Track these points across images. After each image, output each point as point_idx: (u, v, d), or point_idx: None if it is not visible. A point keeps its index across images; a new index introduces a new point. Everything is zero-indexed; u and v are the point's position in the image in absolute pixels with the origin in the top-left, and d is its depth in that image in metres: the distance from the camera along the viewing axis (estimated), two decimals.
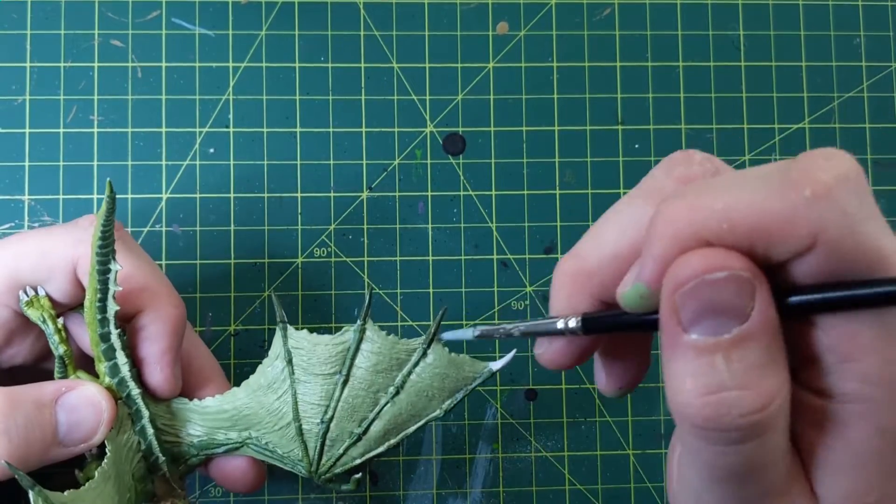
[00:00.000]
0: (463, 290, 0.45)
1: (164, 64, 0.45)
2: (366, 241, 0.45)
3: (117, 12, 0.45)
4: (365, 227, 0.45)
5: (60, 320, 0.33)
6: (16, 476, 0.28)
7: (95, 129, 0.44)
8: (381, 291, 0.45)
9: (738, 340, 0.19)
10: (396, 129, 0.45)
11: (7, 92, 0.44)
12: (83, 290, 0.32)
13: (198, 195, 0.44)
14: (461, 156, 0.46)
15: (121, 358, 0.32)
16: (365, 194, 0.45)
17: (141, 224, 0.44)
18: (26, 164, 0.44)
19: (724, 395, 0.19)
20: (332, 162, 0.45)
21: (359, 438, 0.34)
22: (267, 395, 0.34)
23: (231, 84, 0.45)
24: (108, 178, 0.37)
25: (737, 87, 0.47)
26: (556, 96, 0.46)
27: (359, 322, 0.34)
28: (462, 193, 0.45)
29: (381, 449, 0.35)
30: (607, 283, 0.23)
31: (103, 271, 0.31)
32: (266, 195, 0.45)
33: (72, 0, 0.45)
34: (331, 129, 0.45)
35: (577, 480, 0.45)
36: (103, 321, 0.32)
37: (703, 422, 0.19)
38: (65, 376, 0.33)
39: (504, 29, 0.46)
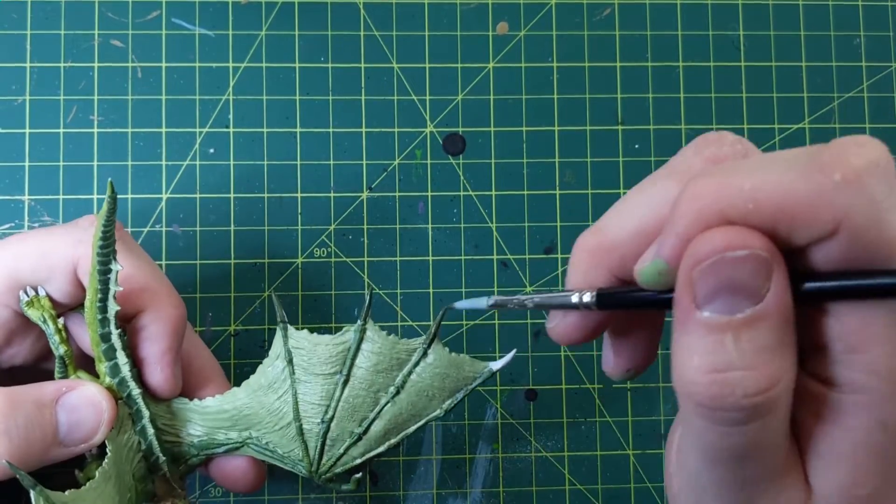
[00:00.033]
0: (463, 290, 0.45)
1: (164, 64, 0.45)
2: (366, 241, 0.45)
3: (117, 12, 0.45)
4: (365, 227, 0.45)
5: (61, 320, 0.33)
6: (17, 476, 0.28)
7: (95, 130, 0.44)
8: (381, 291, 0.45)
9: (749, 321, 0.19)
10: (396, 130, 0.45)
11: (7, 92, 0.44)
12: (83, 290, 0.32)
13: (198, 195, 0.44)
14: (461, 156, 0.46)
15: (121, 358, 0.32)
16: (365, 194, 0.45)
17: (141, 224, 0.44)
18: (26, 164, 0.44)
19: (730, 375, 0.19)
20: (332, 162, 0.45)
21: (359, 438, 0.34)
22: (267, 394, 0.34)
23: (231, 84, 0.45)
24: (109, 179, 0.37)
25: (737, 87, 0.47)
26: (556, 96, 0.46)
27: (359, 322, 0.34)
28: (462, 193, 0.45)
29: (381, 449, 0.35)
30: (627, 259, 0.23)
31: (104, 271, 0.31)
32: (266, 195, 0.45)
33: (72, 0, 0.45)
34: (331, 130, 0.45)
35: (577, 480, 0.45)
36: (104, 321, 0.32)
37: (707, 400, 0.19)
38: (65, 376, 0.33)
39: (504, 29, 0.46)
